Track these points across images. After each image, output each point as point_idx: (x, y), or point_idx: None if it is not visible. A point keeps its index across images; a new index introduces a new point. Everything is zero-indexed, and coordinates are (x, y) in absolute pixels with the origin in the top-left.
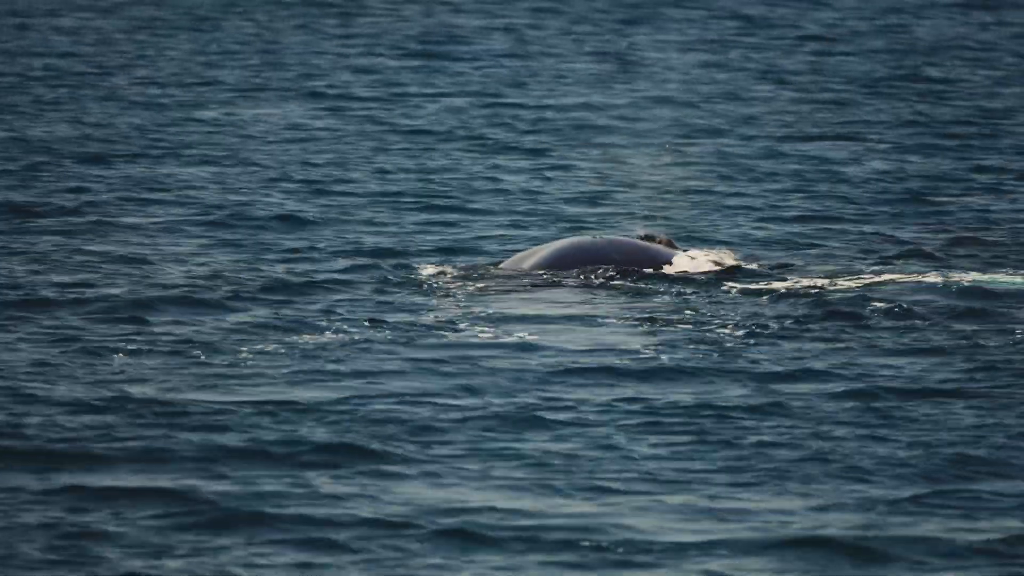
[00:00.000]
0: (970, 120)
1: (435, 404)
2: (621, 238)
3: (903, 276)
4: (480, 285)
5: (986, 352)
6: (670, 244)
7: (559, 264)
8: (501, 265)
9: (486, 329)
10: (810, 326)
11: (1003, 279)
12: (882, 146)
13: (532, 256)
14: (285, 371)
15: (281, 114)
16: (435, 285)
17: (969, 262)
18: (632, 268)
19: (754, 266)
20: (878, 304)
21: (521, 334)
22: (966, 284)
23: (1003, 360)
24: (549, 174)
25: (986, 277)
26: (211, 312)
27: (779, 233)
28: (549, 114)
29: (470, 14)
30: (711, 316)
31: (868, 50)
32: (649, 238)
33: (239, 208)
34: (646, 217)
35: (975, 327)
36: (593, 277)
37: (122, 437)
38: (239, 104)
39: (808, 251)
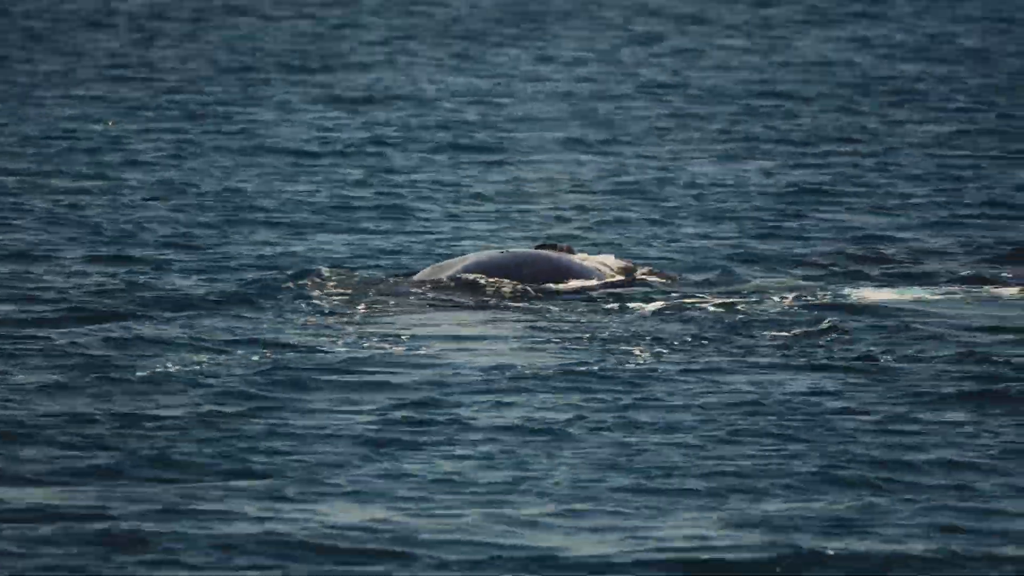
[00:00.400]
0: (853, 137)
1: (325, 420)
2: (530, 251)
3: (801, 291)
4: (387, 299)
5: (892, 370)
6: (569, 252)
7: (468, 277)
8: (413, 278)
9: (385, 344)
10: (717, 340)
11: (900, 295)
12: (770, 163)
13: (442, 270)
14: (178, 388)
15: (164, 128)
16: (337, 298)
17: (861, 277)
18: (542, 281)
19: (656, 278)
20: (779, 317)
21: (422, 349)
22: (863, 300)
23: (908, 374)
24: (449, 188)
25: (893, 293)
26: (109, 329)
27: (680, 247)
28: (445, 126)
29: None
30: (616, 330)
31: (761, 65)
32: (549, 247)
33: (131, 226)
34: (545, 227)
35: (878, 342)
36: (502, 291)
37: (21, 457)
38: (127, 119)
39: (710, 264)
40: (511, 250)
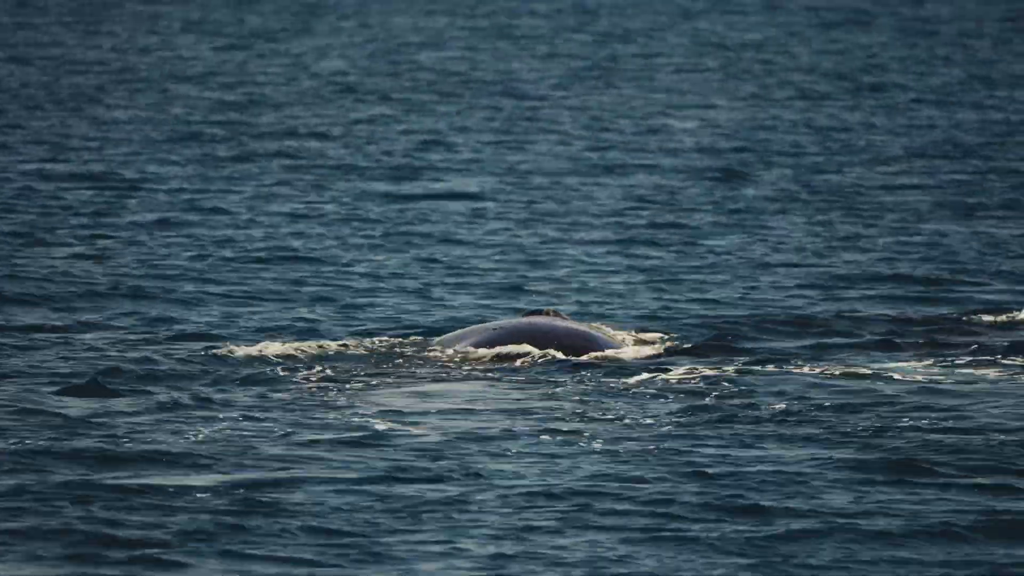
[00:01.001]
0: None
1: (322, 487)
2: (554, 322)
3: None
4: (412, 365)
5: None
6: (559, 317)
7: (496, 347)
8: (435, 342)
9: (406, 412)
10: (759, 414)
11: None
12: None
13: (466, 337)
14: (180, 447)
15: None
16: (359, 365)
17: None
18: (569, 351)
19: (667, 344)
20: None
21: (438, 418)
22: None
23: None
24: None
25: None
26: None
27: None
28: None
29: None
30: (639, 407)
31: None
32: (536, 313)
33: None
34: (530, 294)
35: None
36: (538, 361)
37: None
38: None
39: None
40: (531, 319)
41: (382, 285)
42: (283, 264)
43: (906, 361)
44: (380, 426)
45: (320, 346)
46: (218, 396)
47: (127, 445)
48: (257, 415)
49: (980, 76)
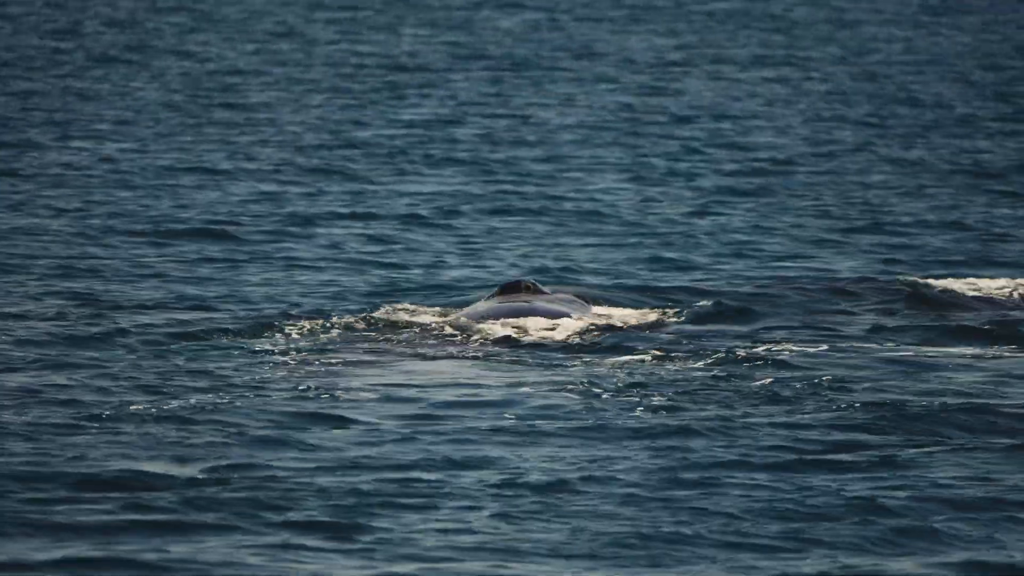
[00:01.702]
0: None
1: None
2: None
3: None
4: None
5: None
6: (536, 290)
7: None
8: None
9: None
10: (735, 388)
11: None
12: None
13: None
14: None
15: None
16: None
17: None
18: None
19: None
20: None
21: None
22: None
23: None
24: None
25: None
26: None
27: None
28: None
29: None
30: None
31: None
32: (514, 286)
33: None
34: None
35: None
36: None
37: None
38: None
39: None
40: (508, 296)
41: (345, 259)
42: (263, 240)
43: (897, 337)
44: (368, 407)
45: (299, 327)
46: (207, 374)
47: (98, 427)
48: (230, 395)
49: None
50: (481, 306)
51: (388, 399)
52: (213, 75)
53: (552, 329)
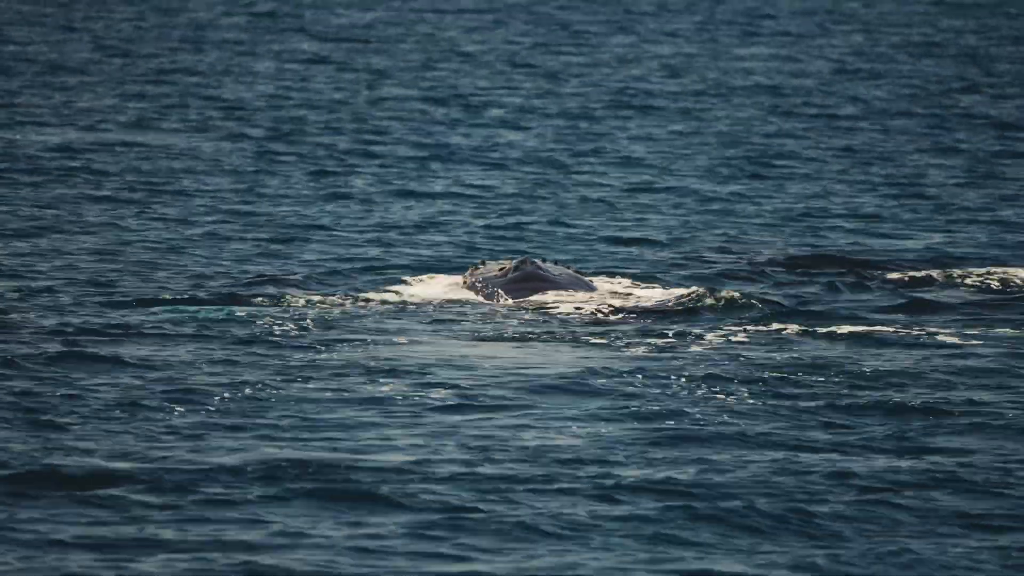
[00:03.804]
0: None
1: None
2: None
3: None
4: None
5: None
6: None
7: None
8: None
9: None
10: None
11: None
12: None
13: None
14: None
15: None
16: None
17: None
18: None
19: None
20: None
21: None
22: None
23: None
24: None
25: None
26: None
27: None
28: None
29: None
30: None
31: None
32: (522, 263)
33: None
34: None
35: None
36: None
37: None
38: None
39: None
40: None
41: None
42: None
43: (883, 317)
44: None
45: (307, 300)
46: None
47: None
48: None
49: None
50: (497, 282)
51: (439, 384)
52: (172, 73)
53: (576, 304)
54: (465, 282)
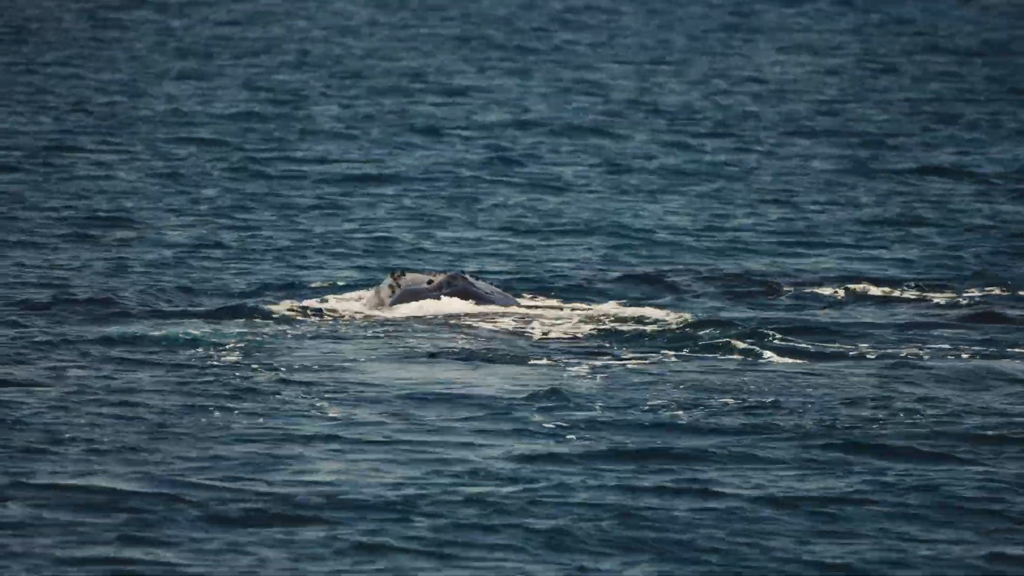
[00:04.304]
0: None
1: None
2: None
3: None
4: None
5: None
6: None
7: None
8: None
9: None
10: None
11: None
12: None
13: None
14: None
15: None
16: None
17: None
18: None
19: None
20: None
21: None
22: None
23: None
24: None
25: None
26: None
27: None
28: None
29: None
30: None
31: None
32: (400, 274)
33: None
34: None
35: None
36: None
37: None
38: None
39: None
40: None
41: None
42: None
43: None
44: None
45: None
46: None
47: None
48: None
49: None
50: (426, 295)
51: (372, 400)
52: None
53: (508, 317)
54: (383, 294)
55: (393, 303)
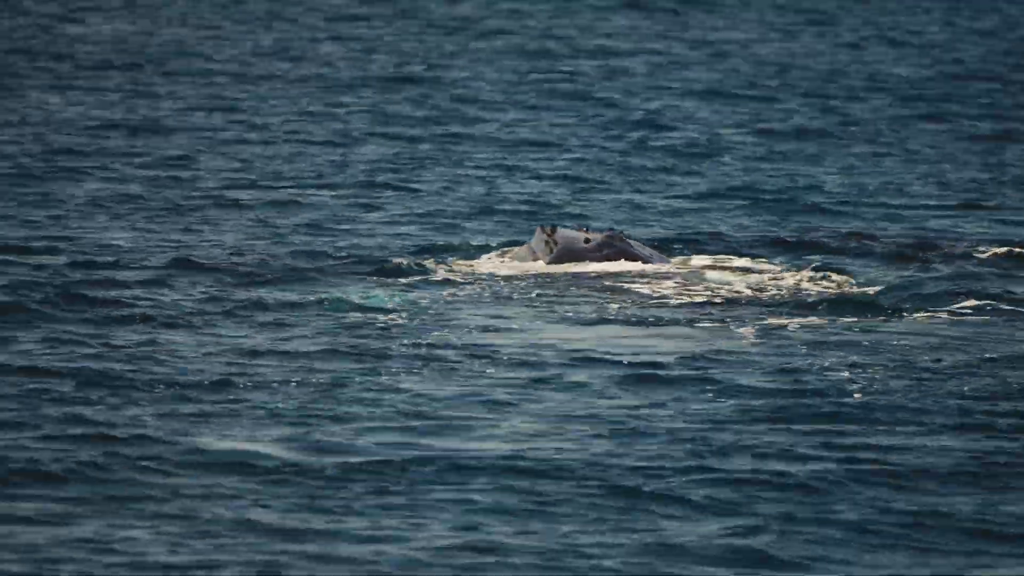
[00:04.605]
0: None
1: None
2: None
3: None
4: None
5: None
6: (620, 237)
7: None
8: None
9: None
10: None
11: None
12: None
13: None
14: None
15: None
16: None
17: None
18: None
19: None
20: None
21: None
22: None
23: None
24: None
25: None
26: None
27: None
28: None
29: None
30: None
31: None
32: (552, 229)
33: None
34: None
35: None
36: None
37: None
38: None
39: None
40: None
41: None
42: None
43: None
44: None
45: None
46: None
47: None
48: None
49: None
50: (584, 254)
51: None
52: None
53: (656, 277)
54: (539, 250)
55: (551, 261)
